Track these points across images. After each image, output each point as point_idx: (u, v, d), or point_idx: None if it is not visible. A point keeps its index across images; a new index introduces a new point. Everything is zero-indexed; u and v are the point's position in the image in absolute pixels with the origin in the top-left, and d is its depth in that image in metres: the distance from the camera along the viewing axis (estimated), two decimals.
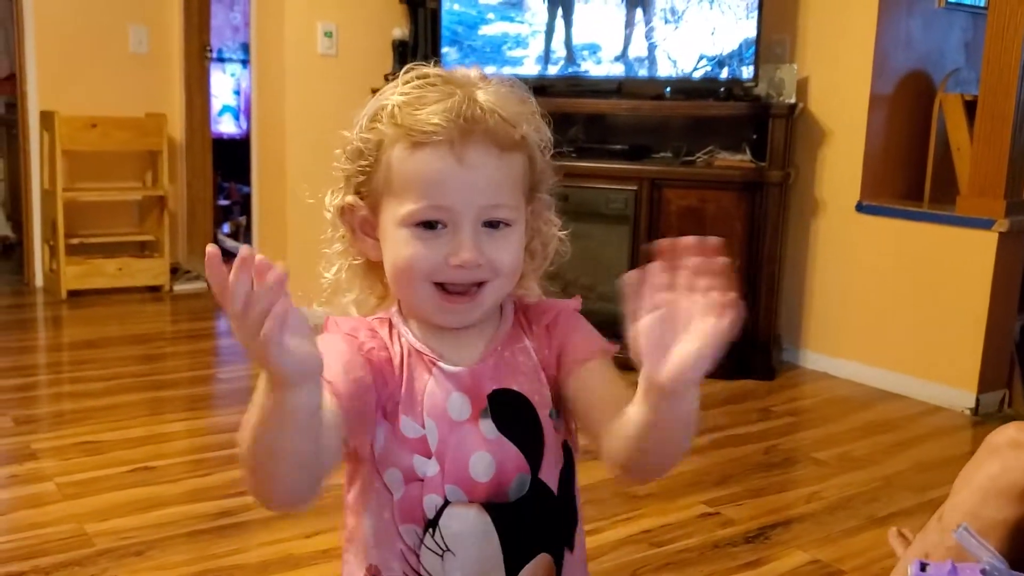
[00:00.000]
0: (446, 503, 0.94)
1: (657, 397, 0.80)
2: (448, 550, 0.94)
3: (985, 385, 3.39)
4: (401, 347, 0.97)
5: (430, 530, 0.94)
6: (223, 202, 6.24)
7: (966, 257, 3.38)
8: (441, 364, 0.96)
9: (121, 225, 5.00)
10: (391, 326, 0.99)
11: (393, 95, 0.95)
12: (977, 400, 3.38)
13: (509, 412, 0.97)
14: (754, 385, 3.62)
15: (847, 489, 2.68)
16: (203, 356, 3.92)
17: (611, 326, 3.69)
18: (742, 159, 3.68)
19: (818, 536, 2.38)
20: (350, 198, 0.98)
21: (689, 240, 0.77)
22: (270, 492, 0.84)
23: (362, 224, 0.98)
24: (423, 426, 0.94)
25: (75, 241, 4.67)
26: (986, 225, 3.32)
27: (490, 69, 4.14)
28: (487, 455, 0.95)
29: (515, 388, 0.98)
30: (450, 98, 0.92)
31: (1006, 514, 1.42)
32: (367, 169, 0.95)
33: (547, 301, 1.05)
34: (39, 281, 4.86)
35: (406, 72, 0.96)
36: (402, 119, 0.92)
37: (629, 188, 3.73)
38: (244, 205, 5.98)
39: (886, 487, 2.71)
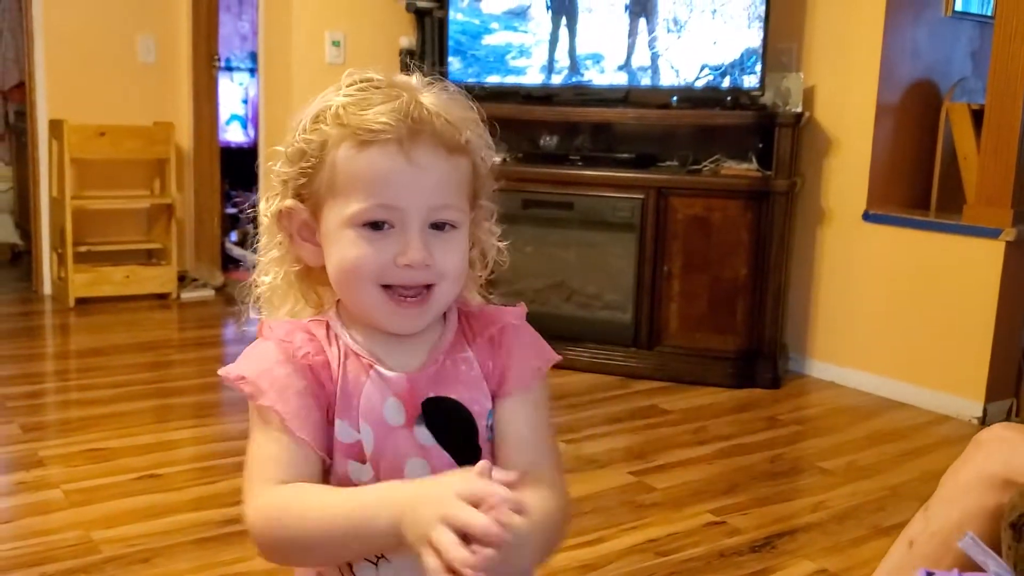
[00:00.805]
0: None
1: None
2: (382, 557, 0.92)
3: (993, 394, 3.38)
4: (339, 349, 0.95)
5: None
6: (230, 210, 6.25)
7: (973, 266, 3.38)
8: (379, 368, 0.94)
9: (129, 233, 5.02)
10: (328, 328, 0.97)
11: (336, 97, 0.94)
12: (985, 409, 3.37)
13: (443, 420, 0.95)
14: (760, 394, 3.62)
15: (854, 498, 2.67)
16: (210, 364, 3.92)
17: (618, 334, 3.70)
18: (748, 168, 3.68)
19: (825, 545, 2.37)
20: (289, 202, 0.96)
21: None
22: (297, 564, 0.95)
23: (300, 229, 0.97)
24: (358, 430, 0.93)
25: (83, 249, 4.68)
26: (993, 234, 3.31)
27: (494, 79, 4.16)
28: (423, 462, 0.94)
29: (454, 397, 0.96)
30: (396, 99, 0.91)
31: (988, 502, 1.45)
32: (309, 171, 0.93)
33: (491, 310, 1.03)
34: (47, 289, 4.88)
35: (348, 76, 0.96)
36: (348, 119, 0.91)
37: (635, 197, 3.73)
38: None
39: (893, 496, 2.70)
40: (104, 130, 4.69)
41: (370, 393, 0.94)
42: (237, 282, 5.21)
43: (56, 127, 4.68)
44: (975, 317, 3.37)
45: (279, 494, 0.87)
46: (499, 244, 1.04)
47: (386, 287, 0.92)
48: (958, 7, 3.87)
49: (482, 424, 0.97)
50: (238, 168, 5.96)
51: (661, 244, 3.72)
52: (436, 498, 0.78)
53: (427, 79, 0.96)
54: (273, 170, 0.98)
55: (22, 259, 5.65)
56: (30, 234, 5.12)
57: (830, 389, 3.75)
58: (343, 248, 0.92)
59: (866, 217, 3.70)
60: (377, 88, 0.93)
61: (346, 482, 0.92)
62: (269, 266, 1.01)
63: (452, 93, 0.96)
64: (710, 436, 3.14)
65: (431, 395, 0.95)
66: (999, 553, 1.30)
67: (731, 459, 2.94)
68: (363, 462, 0.93)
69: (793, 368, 3.92)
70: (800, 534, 2.45)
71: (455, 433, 0.95)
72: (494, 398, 0.98)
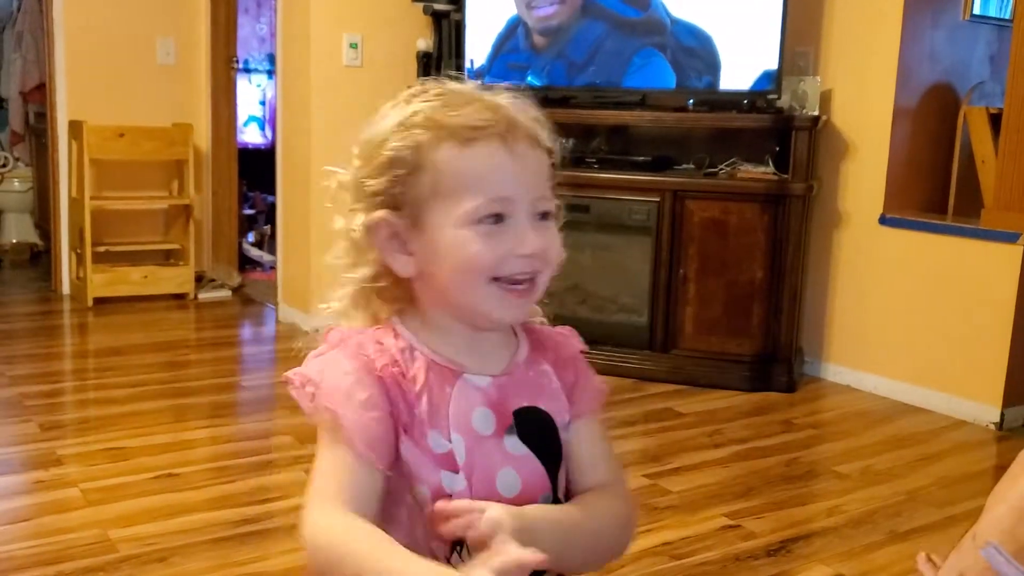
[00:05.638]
0: None
1: None
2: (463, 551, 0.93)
3: (1010, 399, 3.36)
4: (415, 359, 0.94)
5: (458, 547, 0.92)
6: (248, 211, 6.28)
7: (991, 271, 3.36)
8: (466, 376, 0.95)
9: (147, 233, 5.05)
10: (396, 336, 0.96)
11: (417, 104, 0.94)
12: (1002, 415, 3.35)
13: (535, 430, 0.97)
14: (776, 397, 3.61)
15: (869, 503, 2.66)
16: (227, 364, 3.95)
17: (633, 336, 3.69)
18: (765, 171, 3.68)
19: (840, 550, 2.37)
20: (382, 213, 0.94)
21: None
22: None
23: (390, 240, 0.95)
24: (449, 440, 0.92)
25: (101, 249, 4.72)
26: (1011, 239, 3.29)
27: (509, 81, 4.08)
28: (513, 471, 0.94)
29: (541, 407, 0.98)
30: (481, 99, 0.93)
31: None
32: (404, 178, 0.92)
33: (552, 331, 1.04)
34: (66, 288, 4.91)
35: (412, 91, 0.96)
36: (444, 121, 0.92)
37: (652, 200, 3.73)
38: (269, 214, 6.03)
39: (909, 501, 2.69)
40: (123, 131, 4.72)
41: (459, 402, 0.94)
42: (254, 282, 5.24)
43: (76, 128, 4.72)
44: (992, 321, 3.35)
45: (334, 523, 0.88)
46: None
47: (495, 279, 0.92)
48: (976, 10, 3.85)
49: (563, 435, 0.99)
50: (256, 169, 6.00)
51: (677, 247, 3.71)
52: None
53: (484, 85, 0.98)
54: (343, 184, 0.97)
55: (41, 259, 5.70)
56: (49, 234, 5.16)
57: (846, 393, 3.73)
58: (460, 247, 0.91)
59: (883, 221, 3.68)
60: (454, 93, 0.94)
61: (440, 493, 0.91)
62: (348, 283, 0.99)
63: (517, 94, 0.97)
64: (725, 439, 3.13)
65: (522, 405, 0.97)
66: None
67: (746, 462, 2.94)
68: (456, 472, 0.92)
69: (809, 372, 3.90)
70: (815, 538, 2.44)
71: (544, 444, 0.97)
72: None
